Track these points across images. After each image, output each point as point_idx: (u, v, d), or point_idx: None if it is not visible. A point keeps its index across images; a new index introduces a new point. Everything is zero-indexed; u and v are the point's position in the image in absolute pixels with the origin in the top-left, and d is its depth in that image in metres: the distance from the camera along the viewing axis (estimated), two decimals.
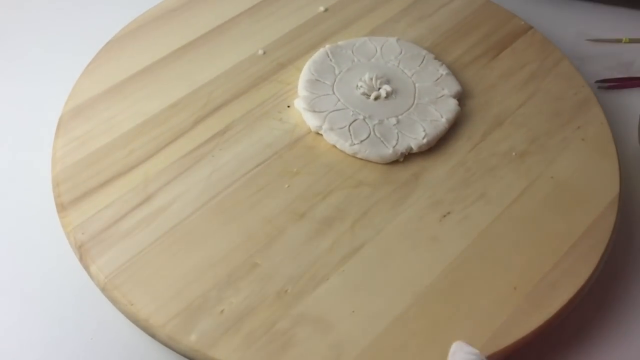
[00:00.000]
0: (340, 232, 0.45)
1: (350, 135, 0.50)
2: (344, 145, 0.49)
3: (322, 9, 0.61)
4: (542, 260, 0.44)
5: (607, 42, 0.65)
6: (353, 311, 0.41)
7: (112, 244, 0.43)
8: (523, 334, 0.41)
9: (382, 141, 0.50)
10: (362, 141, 0.50)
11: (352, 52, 0.56)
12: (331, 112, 0.51)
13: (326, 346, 0.40)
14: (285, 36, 0.58)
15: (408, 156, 0.50)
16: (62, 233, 0.45)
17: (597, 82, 0.60)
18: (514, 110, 0.54)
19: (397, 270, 0.44)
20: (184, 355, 0.40)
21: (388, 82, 0.54)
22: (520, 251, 0.45)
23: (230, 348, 0.39)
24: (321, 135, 0.51)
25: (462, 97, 0.54)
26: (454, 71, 0.56)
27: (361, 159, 0.49)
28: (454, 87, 0.54)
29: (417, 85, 0.54)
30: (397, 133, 0.50)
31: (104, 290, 0.42)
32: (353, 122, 0.51)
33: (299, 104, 0.52)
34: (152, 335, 0.40)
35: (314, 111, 0.51)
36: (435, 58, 0.57)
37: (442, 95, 0.54)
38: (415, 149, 0.50)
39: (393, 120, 0.51)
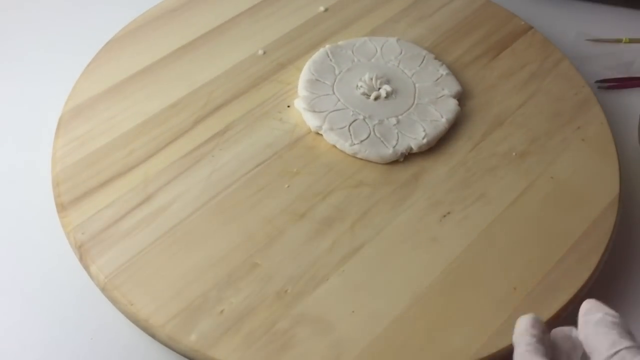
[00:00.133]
0: (340, 232, 0.45)
1: (350, 135, 0.50)
2: (344, 145, 0.49)
3: (322, 9, 0.61)
4: (542, 260, 0.44)
5: (607, 42, 0.65)
6: (353, 311, 0.41)
7: (112, 244, 0.43)
8: None
9: (382, 141, 0.50)
10: (362, 141, 0.50)
11: (352, 52, 0.56)
12: (331, 112, 0.51)
13: (326, 346, 0.40)
14: (285, 36, 0.58)
15: (408, 156, 0.50)
16: (62, 233, 0.45)
17: (597, 82, 0.60)
18: (514, 111, 0.54)
19: (397, 270, 0.44)
20: (184, 355, 0.40)
21: (388, 82, 0.54)
22: (520, 251, 0.45)
23: (230, 348, 0.39)
24: (321, 135, 0.51)
25: (462, 97, 0.54)
26: (454, 71, 0.56)
27: (361, 159, 0.49)
28: (454, 87, 0.54)
29: (417, 85, 0.54)
30: (397, 133, 0.50)
31: (104, 290, 0.42)
32: (353, 122, 0.51)
33: (299, 104, 0.52)
34: (152, 335, 0.40)
35: (314, 111, 0.51)
36: (436, 58, 0.57)
37: (442, 95, 0.54)
38: (415, 149, 0.50)
39: (393, 120, 0.51)
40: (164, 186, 0.47)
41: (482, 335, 0.41)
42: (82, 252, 0.43)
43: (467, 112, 0.54)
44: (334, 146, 0.50)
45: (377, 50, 0.57)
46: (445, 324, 0.41)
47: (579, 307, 0.31)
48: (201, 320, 0.40)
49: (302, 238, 0.45)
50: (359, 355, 0.39)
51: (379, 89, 0.53)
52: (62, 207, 0.45)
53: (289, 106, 0.53)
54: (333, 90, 0.53)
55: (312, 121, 0.51)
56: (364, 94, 0.53)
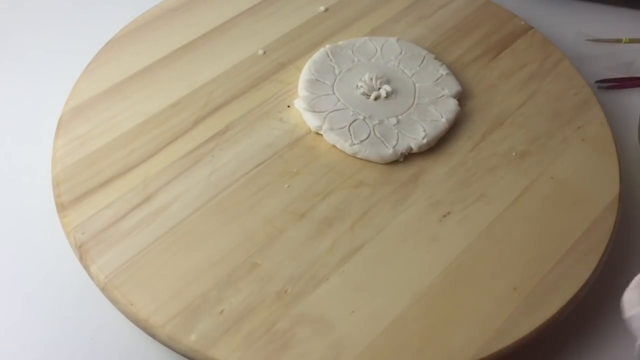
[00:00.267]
0: (340, 232, 0.45)
1: (350, 135, 0.50)
2: (344, 145, 0.49)
3: (322, 8, 0.61)
4: (542, 261, 0.44)
5: (607, 42, 0.65)
6: (353, 311, 0.41)
7: (112, 244, 0.43)
8: (523, 334, 0.41)
9: (382, 141, 0.50)
10: (362, 141, 0.50)
11: (352, 52, 0.56)
12: (331, 112, 0.51)
13: (326, 346, 0.40)
14: (285, 36, 0.58)
15: (408, 156, 0.50)
16: (62, 233, 0.45)
17: (597, 82, 0.60)
18: (514, 111, 0.54)
19: (397, 270, 0.44)
20: (184, 355, 0.40)
21: (388, 82, 0.54)
22: (520, 251, 0.45)
23: (230, 348, 0.39)
24: (321, 135, 0.51)
25: (462, 97, 0.54)
26: (454, 71, 0.56)
27: (361, 159, 0.49)
28: (454, 87, 0.54)
29: (417, 85, 0.54)
30: (397, 133, 0.50)
31: (104, 290, 0.42)
32: (353, 122, 0.51)
33: (299, 104, 0.52)
34: (152, 335, 0.40)
35: (314, 111, 0.51)
36: (436, 58, 0.57)
37: (442, 95, 0.54)
38: (415, 149, 0.50)
39: (393, 120, 0.51)
40: (164, 186, 0.47)
41: (482, 335, 0.41)
42: (82, 252, 0.43)
43: (467, 112, 0.54)
44: (334, 146, 0.50)
45: (377, 50, 0.57)
46: (445, 324, 0.41)
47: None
48: (201, 320, 0.40)
49: (302, 238, 0.45)
50: (359, 355, 0.39)
51: (379, 89, 0.53)
52: (62, 207, 0.45)
53: (289, 106, 0.53)
54: (333, 90, 0.53)
55: (312, 121, 0.51)
56: (364, 94, 0.53)
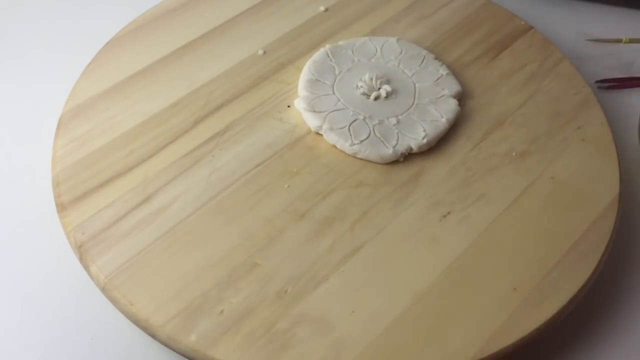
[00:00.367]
0: (340, 232, 0.45)
1: (350, 135, 0.50)
2: (344, 145, 0.49)
3: (322, 8, 0.61)
4: (542, 261, 0.44)
5: (607, 42, 0.65)
6: (353, 311, 0.41)
7: (112, 244, 0.43)
8: (523, 334, 0.41)
9: (382, 141, 0.50)
10: (362, 141, 0.50)
11: (352, 52, 0.56)
12: (331, 112, 0.51)
13: (326, 346, 0.40)
14: (285, 36, 0.58)
15: (408, 156, 0.50)
16: (62, 233, 0.45)
17: (597, 82, 0.60)
18: (514, 110, 0.54)
19: (398, 270, 0.44)
20: (184, 355, 0.40)
21: (388, 82, 0.54)
22: (520, 251, 0.45)
23: (230, 348, 0.39)
24: (321, 135, 0.51)
25: (462, 97, 0.54)
26: (454, 71, 0.56)
27: (361, 159, 0.49)
28: (454, 87, 0.54)
29: (417, 85, 0.54)
30: (397, 133, 0.50)
31: (104, 290, 0.42)
32: (353, 122, 0.51)
33: (299, 104, 0.52)
34: (152, 335, 0.40)
35: (314, 111, 0.51)
36: (436, 58, 0.57)
37: (442, 95, 0.54)
38: (415, 149, 0.50)
39: (393, 120, 0.51)
40: (164, 186, 0.47)
41: (482, 335, 0.41)
42: (82, 252, 0.43)
43: (467, 112, 0.54)
44: (334, 146, 0.50)
45: (377, 50, 0.57)
46: (445, 324, 0.41)
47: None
48: (201, 320, 0.40)
49: (302, 238, 0.45)
50: (359, 355, 0.39)
51: (379, 89, 0.53)
52: (62, 207, 0.45)
53: (289, 106, 0.53)
54: (333, 90, 0.53)
55: (312, 121, 0.51)
56: (364, 94, 0.53)
